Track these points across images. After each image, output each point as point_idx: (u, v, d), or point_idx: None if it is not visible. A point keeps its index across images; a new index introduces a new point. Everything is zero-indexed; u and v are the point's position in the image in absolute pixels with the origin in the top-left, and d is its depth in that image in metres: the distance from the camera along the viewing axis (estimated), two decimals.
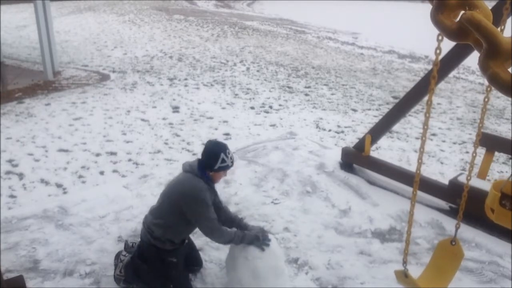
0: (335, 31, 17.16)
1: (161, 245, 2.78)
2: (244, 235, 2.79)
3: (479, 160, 3.95)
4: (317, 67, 10.65)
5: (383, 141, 5.66)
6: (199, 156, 2.84)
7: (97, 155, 5.31)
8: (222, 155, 2.71)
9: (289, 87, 8.65)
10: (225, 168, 2.76)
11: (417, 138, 6.11)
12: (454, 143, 6.01)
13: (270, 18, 20.89)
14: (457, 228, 2.05)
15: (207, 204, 2.67)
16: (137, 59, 10.83)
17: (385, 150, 5.64)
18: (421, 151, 1.71)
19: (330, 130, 6.37)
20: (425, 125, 1.61)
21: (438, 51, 1.41)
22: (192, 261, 3.09)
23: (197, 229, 2.89)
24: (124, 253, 3.09)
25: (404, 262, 1.95)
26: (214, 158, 2.71)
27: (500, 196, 1.63)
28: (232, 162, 2.79)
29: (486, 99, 1.87)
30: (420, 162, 1.72)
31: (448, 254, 2.05)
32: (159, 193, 4.12)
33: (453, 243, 2.03)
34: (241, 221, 3.02)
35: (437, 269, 2.06)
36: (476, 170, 4.06)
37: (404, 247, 1.96)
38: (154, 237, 2.78)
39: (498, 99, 8.09)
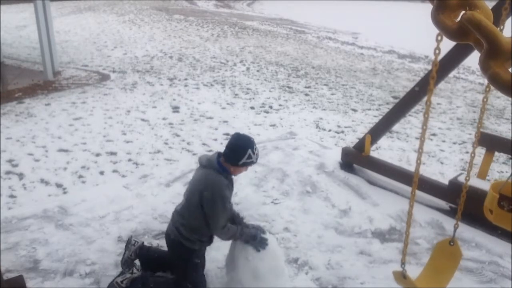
0: (335, 31, 17.16)
1: (190, 244, 2.71)
2: (243, 232, 2.76)
3: (479, 160, 3.95)
4: (317, 67, 10.65)
5: (383, 141, 5.66)
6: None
7: (97, 155, 5.31)
8: (250, 151, 2.61)
9: (289, 87, 8.65)
10: (249, 164, 2.67)
11: (417, 138, 6.11)
12: (454, 143, 6.01)
13: (270, 18, 20.89)
14: (455, 228, 2.05)
15: (227, 201, 2.62)
16: (137, 59, 10.83)
17: (385, 150, 5.64)
18: (420, 151, 1.71)
19: (330, 130, 6.37)
20: (424, 125, 1.61)
21: (437, 51, 1.41)
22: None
23: None
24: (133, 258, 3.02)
25: (403, 263, 1.95)
26: (240, 153, 2.61)
27: (498, 197, 1.63)
28: (257, 159, 2.70)
29: (485, 99, 1.87)
30: (419, 163, 1.72)
31: (446, 255, 2.05)
32: (159, 193, 4.17)
33: (452, 243, 2.03)
34: (242, 220, 3.00)
35: (436, 269, 2.06)
36: (476, 170, 4.06)
37: (403, 248, 1.96)
38: (183, 237, 2.70)
39: (498, 99, 8.09)
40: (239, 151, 2.62)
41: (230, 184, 2.73)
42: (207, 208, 2.60)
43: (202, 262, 2.85)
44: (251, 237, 2.78)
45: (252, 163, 2.67)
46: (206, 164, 2.69)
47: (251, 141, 2.68)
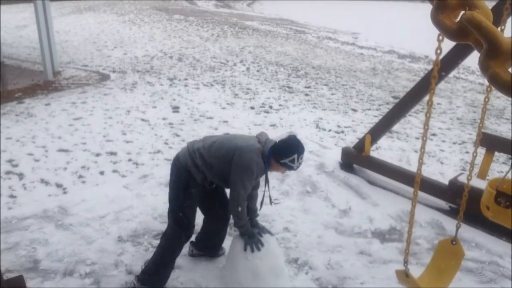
0: (335, 31, 17.15)
1: (195, 172, 2.74)
2: (248, 226, 2.80)
3: (479, 160, 3.95)
4: (317, 67, 10.65)
5: (383, 141, 5.66)
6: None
7: (97, 155, 5.31)
8: (295, 156, 2.62)
9: (289, 87, 8.65)
10: (289, 167, 2.68)
11: (417, 138, 6.11)
12: (454, 143, 6.01)
13: (270, 18, 20.89)
14: (457, 228, 2.05)
15: (252, 177, 2.65)
16: (137, 59, 10.83)
17: (385, 150, 5.64)
18: (422, 151, 1.71)
19: (330, 130, 6.37)
20: (426, 125, 1.62)
21: (438, 51, 1.41)
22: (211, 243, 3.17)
23: None
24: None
25: (405, 262, 1.95)
26: (287, 153, 2.63)
27: (495, 193, 1.63)
28: (298, 167, 2.71)
29: (486, 99, 1.87)
30: (421, 162, 1.72)
31: (448, 254, 2.05)
32: (159, 193, 4.17)
33: (454, 242, 2.03)
34: (254, 217, 3.03)
35: (438, 269, 2.06)
36: (476, 170, 4.06)
37: (405, 247, 1.96)
38: (194, 162, 2.74)
39: (498, 99, 8.09)
40: (288, 150, 2.64)
41: (264, 172, 2.76)
42: (235, 166, 2.64)
43: (196, 196, 2.84)
44: (250, 234, 2.80)
45: (291, 168, 2.68)
46: (261, 142, 2.74)
47: (302, 148, 2.70)
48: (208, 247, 3.26)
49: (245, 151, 2.65)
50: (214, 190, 2.94)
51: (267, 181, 2.85)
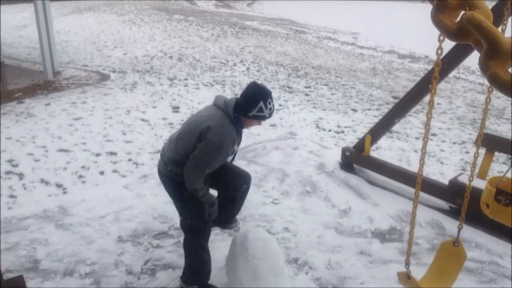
0: (335, 31, 17.15)
1: (181, 178, 2.62)
2: (207, 195, 2.66)
3: (479, 160, 3.95)
4: (317, 67, 10.65)
5: (383, 141, 5.66)
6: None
7: (97, 155, 5.31)
8: (261, 103, 2.43)
9: (289, 87, 8.65)
10: (260, 118, 2.52)
11: (417, 138, 6.11)
12: (454, 143, 6.01)
13: (270, 18, 20.89)
14: (459, 229, 2.05)
15: (221, 151, 2.48)
16: (137, 59, 10.83)
17: (385, 150, 5.64)
18: (423, 151, 1.71)
19: (330, 130, 6.37)
20: (427, 125, 1.61)
21: (439, 52, 1.41)
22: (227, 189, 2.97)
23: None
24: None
25: (407, 263, 1.95)
26: (251, 104, 2.45)
27: (495, 191, 1.64)
28: (271, 114, 2.52)
29: (487, 100, 1.87)
30: (422, 163, 1.72)
31: (450, 255, 2.04)
32: (159, 193, 4.17)
33: (456, 244, 2.03)
34: (236, 183, 2.92)
35: (440, 270, 2.06)
36: (476, 170, 4.05)
37: (407, 248, 1.96)
38: (172, 170, 2.65)
39: (498, 99, 8.09)
40: (250, 101, 2.46)
41: (238, 138, 2.61)
42: (200, 146, 2.48)
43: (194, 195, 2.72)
44: (210, 202, 2.69)
45: (263, 117, 2.51)
46: (222, 107, 2.54)
47: (265, 92, 2.48)
48: (222, 221, 3.14)
49: (216, 131, 2.46)
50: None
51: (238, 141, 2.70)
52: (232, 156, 2.82)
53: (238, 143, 2.71)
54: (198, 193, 2.63)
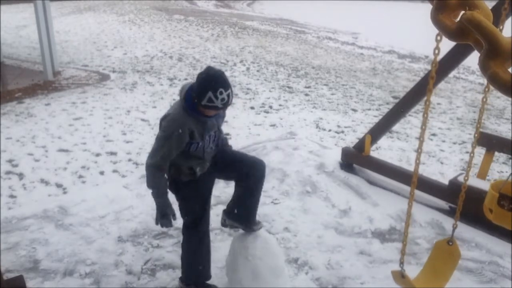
0: (335, 31, 17.14)
1: (177, 176, 2.57)
2: (160, 198, 2.51)
3: (479, 160, 3.95)
4: (317, 67, 10.65)
5: (383, 141, 5.66)
6: None
7: (97, 155, 5.31)
8: (210, 94, 2.23)
9: (289, 87, 8.65)
10: (212, 108, 2.30)
11: (417, 138, 6.11)
12: (454, 143, 6.01)
13: (270, 18, 20.88)
14: (454, 228, 2.05)
15: (169, 139, 2.37)
16: (137, 59, 10.83)
17: (385, 150, 5.64)
18: (419, 151, 1.71)
19: (330, 130, 6.37)
20: (424, 125, 1.62)
21: (436, 51, 1.42)
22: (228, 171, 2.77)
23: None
24: None
25: (401, 263, 1.95)
26: (201, 93, 2.26)
27: (498, 196, 1.63)
28: (225, 104, 2.29)
29: (484, 99, 1.87)
30: (417, 163, 1.72)
31: (445, 255, 2.05)
32: None
33: (450, 243, 2.03)
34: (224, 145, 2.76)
35: (434, 269, 2.06)
36: (476, 170, 4.06)
37: (401, 248, 1.96)
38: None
39: (498, 99, 8.09)
40: (200, 90, 2.27)
41: (201, 127, 2.42)
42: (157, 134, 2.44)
43: (190, 192, 2.61)
44: (159, 211, 2.56)
45: (216, 108, 2.29)
46: (179, 94, 2.43)
47: (215, 81, 2.26)
48: (242, 216, 2.81)
49: (166, 118, 2.42)
50: (214, 166, 2.70)
51: (206, 129, 2.50)
52: (214, 143, 2.64)
53: (208, 131, 2.51)
54: (152, 193, 2.53)
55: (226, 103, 2.30)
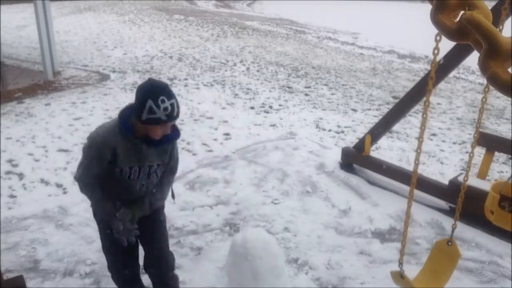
0: (335, 31, 17.15)
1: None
2: (104, 207, 2.27)
3: (479, 160, 3.95)
4: (317, 67, 10.65)
5: (383, 141, 5.66)
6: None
7: None
8: (150, 103, 1.94)
9: (289, 87, 8.65)
10: (154, 121, 1.98)
11: (417, 138, 6.08)
12: (454, 143, 6.01)
13: (270, 18, 20.88)
14: (453, 228, 2.05)
15: (90, 151, 2.16)
16: (137, 59, 10.83)
17: (385, 150, 5.64)
18: (418, 151, 1.72)
19: (330, 130, 6.37)
20: (423, 125, 1.62)
21: (436, 51, 1.42)
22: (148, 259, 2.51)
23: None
24: None
25: (400, 263, 1.95)
26: (139, 106, 1.97)
27: (499, 198, 1.63)
28: (169, 115, 1.97)
29: (484, 99, 1.87)
30: (417, 163, 1.73)
31: (444, 255, 2.05)
32: None
33: (450, 243, 2.03)
34: (155, 198, 2.41)
35: (433, 269, 2.06)
36: (476, 170, 4.06)
37: (401, 248, 1.96)
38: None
39: (498, 99, 8.09)
40: (138, 103, 1.98)
41: (131, 150, 2.11)
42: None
43: (114, 237, 2.26)
44: (108, 216, 2.27)
45: (159, 120, 1.96)
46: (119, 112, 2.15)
47: (154, 89, 1.98)
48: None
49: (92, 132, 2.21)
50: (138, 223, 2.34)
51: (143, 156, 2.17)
52: (149, 180, 2.29)
53: (143, 161, 2.17)
54: (91, 202, 2.32)
55: (171, 114, 1.98)
